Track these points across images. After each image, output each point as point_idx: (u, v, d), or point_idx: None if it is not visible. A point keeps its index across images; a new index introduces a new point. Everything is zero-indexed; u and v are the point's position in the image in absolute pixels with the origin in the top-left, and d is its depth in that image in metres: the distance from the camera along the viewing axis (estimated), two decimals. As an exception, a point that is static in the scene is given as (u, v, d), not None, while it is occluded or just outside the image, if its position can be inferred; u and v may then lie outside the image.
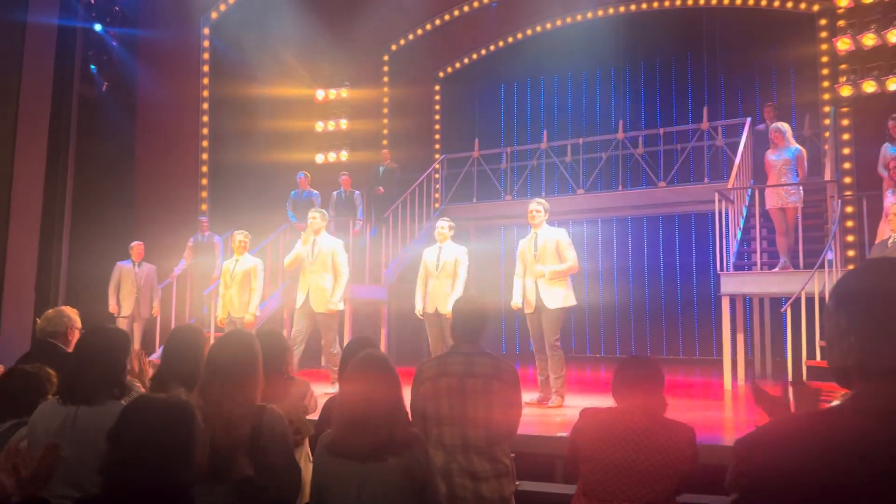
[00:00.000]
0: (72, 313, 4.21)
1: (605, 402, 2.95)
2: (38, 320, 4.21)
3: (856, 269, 1.34)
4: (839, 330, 1.27)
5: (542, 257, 6.35)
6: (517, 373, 3.10)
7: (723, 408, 6.90)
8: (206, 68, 11.44)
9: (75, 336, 4.14)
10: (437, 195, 12.44)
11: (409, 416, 3.16)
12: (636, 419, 2.67)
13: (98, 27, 10.75)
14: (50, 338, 4.07)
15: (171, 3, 11.22)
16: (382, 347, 10.18)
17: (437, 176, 12.47)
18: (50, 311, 4.26)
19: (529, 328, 6.55)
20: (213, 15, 11.49)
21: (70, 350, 4.10)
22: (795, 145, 8.39)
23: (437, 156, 13.17)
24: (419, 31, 13.21)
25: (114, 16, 11.06)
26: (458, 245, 7.18)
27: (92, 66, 10.87)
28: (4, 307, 7.99)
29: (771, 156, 8.41)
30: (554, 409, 6.18)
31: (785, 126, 8.43)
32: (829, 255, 7.44)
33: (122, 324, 9.37)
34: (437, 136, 14.04)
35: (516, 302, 6.51)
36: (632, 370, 2.79)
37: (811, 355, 7.17)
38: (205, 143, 11.38)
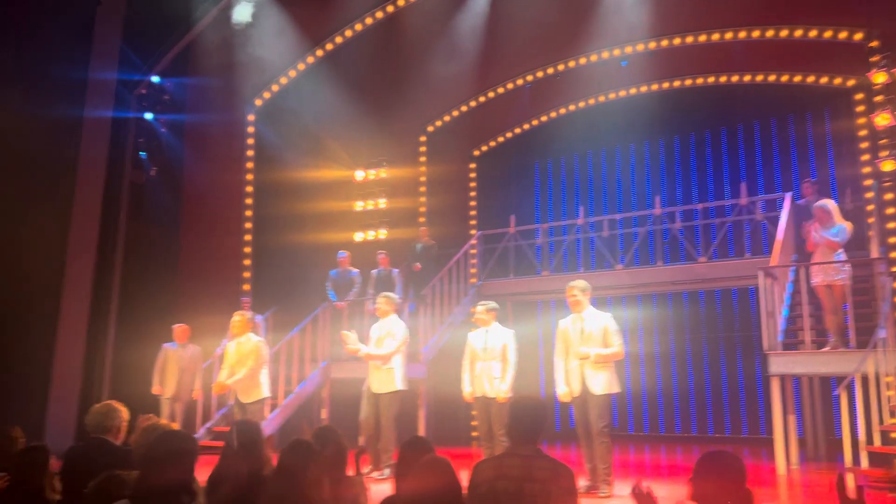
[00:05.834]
0: (121, 407, 4.25)
1: (653, 486, 2.86)
2: (88, 415, 4.21)
3: None
4: None
5: (588, 341, 6.28)
6: (574, 477, 3.05)
7: (778, 497, 6.62)
8: (250, 153, 11.82)
9: (124, 429, 4.18)
10: (473, 271, 12.47)
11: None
12: None
13: (149, 115, 11.23)
14: (103, 433, 4.09)
15: (219, 91, 11.67)
16: (421, 428, 10.05)
17: (473, 251, 12.53)
18: (98, 405, 4.25)
19: (575, 414, 6.43)
20: (258, 102, 11.93)
21: (118, 444, 4.14)
22: (842, 223, 8.09)
23: (473, 232, 13.26)
24: (455, 113, 13.50)
25: (164, 104, 11.56)
26: (505, 328, 7.16)
27: (142, 153, 11.32)
28: (52, 391, 8.11)
29: (816, 234, 8.25)
30: (603, 499, 6.00)
31: (831, 205, 8.16)
32: (882, 334, 7.25)
33: (165, 405, 9.44)
34: (473, 213, 14.16)
35: (563, 392, 6.40)
36: (711, 463, 2.66)
37: (869, 440, 6.90)
38: (248, 226, 11.66)
